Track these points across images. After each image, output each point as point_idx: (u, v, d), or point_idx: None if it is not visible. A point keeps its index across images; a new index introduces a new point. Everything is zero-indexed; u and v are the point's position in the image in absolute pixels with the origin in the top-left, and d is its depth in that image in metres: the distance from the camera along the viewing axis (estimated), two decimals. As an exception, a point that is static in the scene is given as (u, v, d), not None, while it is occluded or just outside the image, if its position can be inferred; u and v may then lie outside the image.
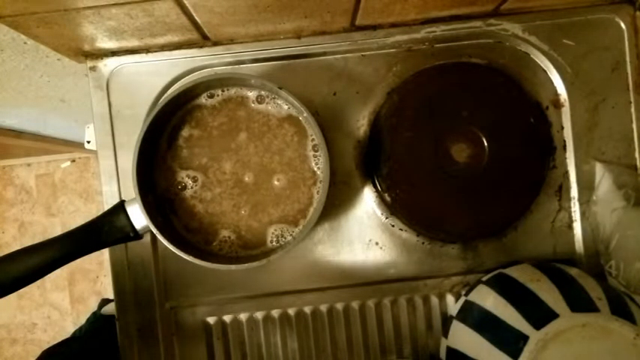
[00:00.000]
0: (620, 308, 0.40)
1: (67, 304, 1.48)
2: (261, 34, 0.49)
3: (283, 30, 0.49)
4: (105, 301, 0.91)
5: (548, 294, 0.41)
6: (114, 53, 0.50)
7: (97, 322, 0.75)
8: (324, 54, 0.51)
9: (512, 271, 0.47)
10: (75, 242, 0.43)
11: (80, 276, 1.49)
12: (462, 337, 0.46)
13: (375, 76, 0.51)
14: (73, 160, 1.53)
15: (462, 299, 0.49)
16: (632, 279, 0.44)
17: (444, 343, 0.49)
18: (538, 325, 0.39)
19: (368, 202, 0.51)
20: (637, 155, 0.50)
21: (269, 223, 0.47)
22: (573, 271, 0.45)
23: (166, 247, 0.43)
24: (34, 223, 1.52)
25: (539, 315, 0.40)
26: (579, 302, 0.40)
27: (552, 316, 0.39)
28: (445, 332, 0.49)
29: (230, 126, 0.48)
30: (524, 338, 0.39)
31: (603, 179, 0.49)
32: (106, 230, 0.43)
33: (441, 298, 0.51)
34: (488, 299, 0.45)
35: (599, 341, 0.38)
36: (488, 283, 0.48)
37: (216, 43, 0.50)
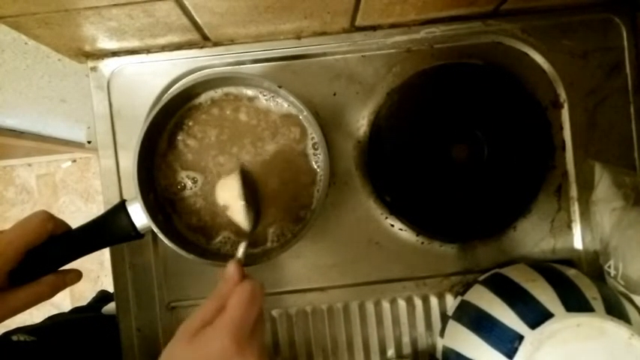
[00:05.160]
0: (615, 308, 0.40)
1: (67, 304, 1.49)
2: (262, 35, 0.49)
3: (283, 30, 0.49)
4: (102, 293, 0.91)
5: (544, 294, 0.41)
6: (114, 54, 0.50)
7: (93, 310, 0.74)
8: (324, 54, 0.51)
9: (509, 271, 0.48)
10: (76, 242, 0.43)
11: (81, 276, 1.49)
12: (458, 336, 0.46)
13: (375, 77, 0.51)
14: (74, 160, 1.53)
15: (458, 299, 0.49)
16: (631, 279, 0.44)
17: (440, 343, 0.49)
18: (533, 324, 0.39)
19: (368, 202, 0.51)
20: (636, 155, 0.50)
21: (269, 222, 0.47)
22: (569, 271, 0.45)
23: (167, 246, 0.43)
24: (35, 222, 1.52)
25: (535, 315, 0.40)
26: (574, 302, 0.40)
27: (547, 315, 0.39)
28: (441, 331, 0.49)
29: (230, 126, 0.48)
30: (520, 338, 0.39)
31: (602, 179, 0.49)
32: (107, 230, 0.44)
33: (441, 297, 0.51)
34: (484, 299, 0.45)
35: (594, 341, 0.38)
36: (484, 282, 0.48)
37: (216, 44, 0.50)
